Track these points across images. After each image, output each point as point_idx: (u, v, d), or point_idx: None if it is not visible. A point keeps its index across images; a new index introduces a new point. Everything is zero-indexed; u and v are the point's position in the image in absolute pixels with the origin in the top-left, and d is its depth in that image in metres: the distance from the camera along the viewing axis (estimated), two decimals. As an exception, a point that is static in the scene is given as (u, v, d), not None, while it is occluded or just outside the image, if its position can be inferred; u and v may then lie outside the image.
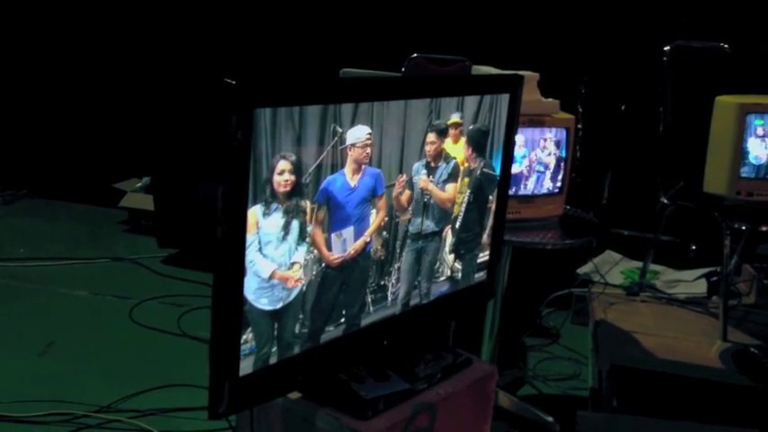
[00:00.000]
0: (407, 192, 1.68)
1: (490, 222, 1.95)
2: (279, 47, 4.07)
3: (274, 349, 1.46)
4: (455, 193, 1.80)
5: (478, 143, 1.83)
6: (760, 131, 2.66)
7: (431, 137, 1.69)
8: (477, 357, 1.97)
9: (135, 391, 2.53)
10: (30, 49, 4.57)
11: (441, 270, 1.84)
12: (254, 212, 1.36)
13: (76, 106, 4.54)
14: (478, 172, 1.86)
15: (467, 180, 1.83)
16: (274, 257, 1.42)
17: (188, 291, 3.38)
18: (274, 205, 1.39)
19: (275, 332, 1.46)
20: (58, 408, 2.41)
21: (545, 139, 2.38)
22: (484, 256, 1.97)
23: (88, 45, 4.44)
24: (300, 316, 1.51)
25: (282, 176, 1.38)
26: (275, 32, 4.08)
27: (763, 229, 2.78)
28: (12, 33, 4.56)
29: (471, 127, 1.80)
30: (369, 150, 1.54)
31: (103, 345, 2.92)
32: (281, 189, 1.39)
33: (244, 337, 1.40)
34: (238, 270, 1.35)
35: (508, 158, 1.96)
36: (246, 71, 4.02)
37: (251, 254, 1.37)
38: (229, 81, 1.27)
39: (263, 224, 1.38)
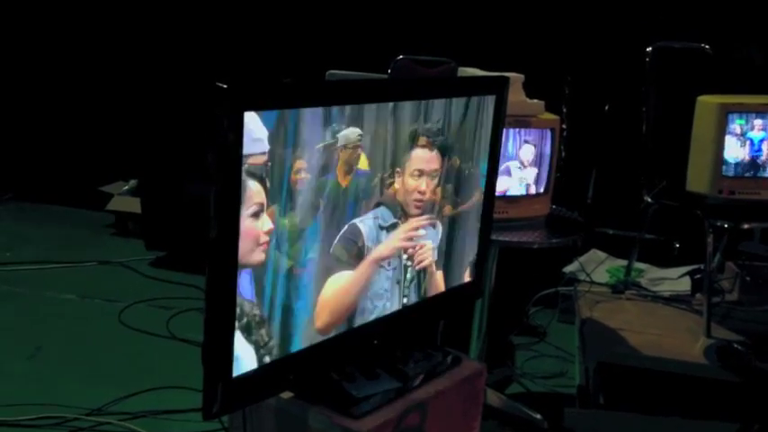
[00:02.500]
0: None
1: (477, 223, 1.98)
2: (264, 48, 4.07)
3: (272, 346, 1.49)
4: (442, 195, 1.83)
5: (466, 145, 1.86)
6: (737, 130, 2.70)
7: (422, 140, 1.72)
8: (466, 356, 1.99)
9: (126, 394, 2.53)
10: (14, 52, 4.55)
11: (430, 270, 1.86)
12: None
13: (62, 109, 4.52)
14: (466, 173, 1.88)
15: (453, 181, 1.85)
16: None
17: (176, 293, 3.38)
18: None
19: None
20: (49, 411, 2.41)
21: (530, 140, 2.41)
22: (472, 257, 1.99)
23: (73, 48, 4.42)
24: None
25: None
26: (260, 34, 4.09)
27: (745, 226, 2.82)
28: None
29: (459, 128, 1.82)
30: (359, 152, 1.57)
31: (93, 348, 2.92)
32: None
33: (237, 337, 1.41)
34: (231, 271, 1.37)
35: (495, 159, 1.98)
36: (232, 73, 4.02)
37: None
38: (221, 85, 1.29)
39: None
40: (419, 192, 1.74)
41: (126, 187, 4.26)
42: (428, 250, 1.82)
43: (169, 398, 2.52)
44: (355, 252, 1.63)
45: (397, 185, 1.70)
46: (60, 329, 3.05)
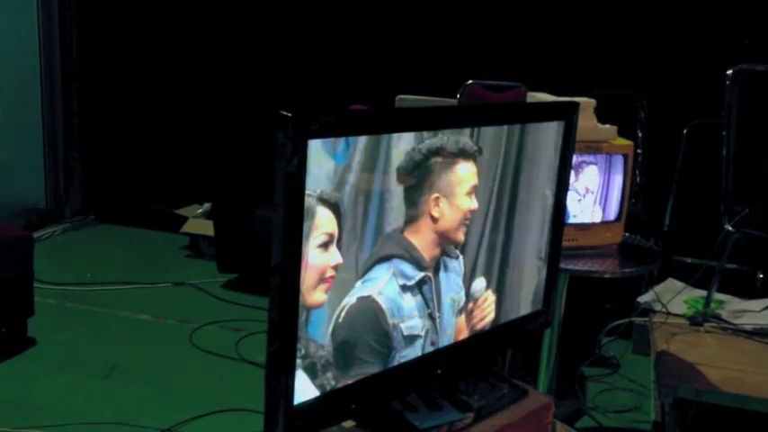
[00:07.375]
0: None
1: (546, 250, 1.93)
2: (337, 75, 4.13)
3: (331, 376, 1.47)
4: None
5: (522, 167, 1.81)
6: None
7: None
8: (533, 388, 1.94)
9: (195, 415, 2.57)
10: (92, 84, 4.74)
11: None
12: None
13: (141, 136, 4.68)
14: (521, 197, 1.83)
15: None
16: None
17: (246, 315, 3.43)
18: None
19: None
20: (121, 430, 2.46)
21: (601, 166, 2.35)
22: (532, 287, 1.94)
23: (150, 77, 4.58)
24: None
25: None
26: (334, 61, 4.15)
27: (834, 257, 2.67)
28: (76, 66, 4.75)
29: (527, 155, 1.79)
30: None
31: (165, 368, 2.98)
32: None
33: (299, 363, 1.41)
34: (293, 298, 1.37)
35: (563, 186, 1.93)
36: (305, 99, 4.09)
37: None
38: (285, 113, 1.30)
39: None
40: (471, 211, 1.57)
41: (200, 210, 4.36)
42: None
43: (236, 421, 2.54)
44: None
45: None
46: (135, 349, 3.13)
